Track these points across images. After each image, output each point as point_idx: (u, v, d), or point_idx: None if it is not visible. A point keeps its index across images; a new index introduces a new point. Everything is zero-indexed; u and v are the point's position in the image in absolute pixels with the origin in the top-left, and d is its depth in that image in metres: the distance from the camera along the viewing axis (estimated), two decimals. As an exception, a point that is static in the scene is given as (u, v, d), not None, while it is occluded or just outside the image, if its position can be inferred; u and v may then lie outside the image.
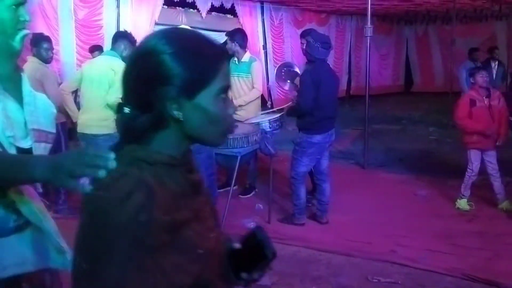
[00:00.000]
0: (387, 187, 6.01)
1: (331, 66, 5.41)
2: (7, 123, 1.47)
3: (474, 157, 5.11)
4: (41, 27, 7.19)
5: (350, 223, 4.76)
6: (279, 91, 11.90)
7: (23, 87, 1.59)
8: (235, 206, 5.05)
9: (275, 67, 11.85)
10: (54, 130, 1.71)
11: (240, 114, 5.47)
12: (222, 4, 10.60)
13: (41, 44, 4.80)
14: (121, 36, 4.64)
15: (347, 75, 15.42)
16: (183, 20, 9.91)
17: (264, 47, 12.16)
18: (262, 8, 11.99)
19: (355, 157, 7.52)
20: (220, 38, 10.64)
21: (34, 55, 4.83)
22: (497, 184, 5.13)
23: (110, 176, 0.95)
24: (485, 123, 5.01)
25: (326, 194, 4.75)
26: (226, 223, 4.47)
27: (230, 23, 10.56)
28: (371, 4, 7.02)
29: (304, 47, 4.60)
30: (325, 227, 4.69)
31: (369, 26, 6.90)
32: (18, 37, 1.53)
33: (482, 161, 5.13)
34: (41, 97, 1.71)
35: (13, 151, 1.50)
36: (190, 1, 9.79)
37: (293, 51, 12.69)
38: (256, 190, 5.70)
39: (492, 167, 5.09)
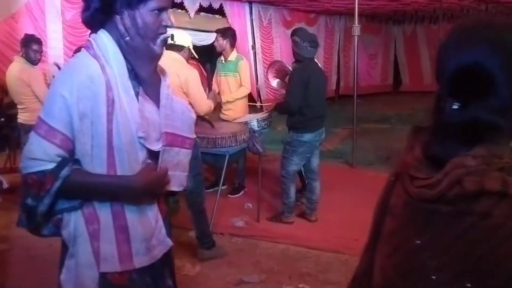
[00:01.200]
0: (375, 185, 5.93)
1: (321, 66, 5.43)
2: (142, 123, 1.52)
3: None
4: (28, 29, 7.16)
5: (339, 221, 4.79)
6: (268, 91, 11.93)
7: (161, 90, 1.62)
8: (224, 205, 5.06)
9: (264, 67, 11.91)
10: (192, 136, 1.75)
11: (228, 114, 5.50)
12: (210, 5, 10.60)
13: (30, 45, 4.79)
14: None
15: (336, 75, 15.48)
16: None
17: (253, 47, 12.18)
18: (250, 8, 12.00)
19: (344, 156, 7.57)
20: (209, 38, 10.69)
21: (22, 56, 4.81)
22: None
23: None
24: None
25: (316, 192, 4.78)
26: (215, 223, 4.49)
27: (218, 24, 10.54)
28: (359, 4, 7.07)
29: (293, 47, 4.62)
30: (314, 225, 4.72)
31: (357, 25, 6.95)
32: (159, 41, 1.57)
33: None
34: (180, 101, 1.74)
35: (143, 153, 1.56)
36: (178, 2, 9.77)
37: (282, 51, 12.71)
38: (245, 189, 5.71)
39: None
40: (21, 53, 4.86)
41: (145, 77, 1.57)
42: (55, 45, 7.94)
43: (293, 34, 4.68)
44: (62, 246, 1.60)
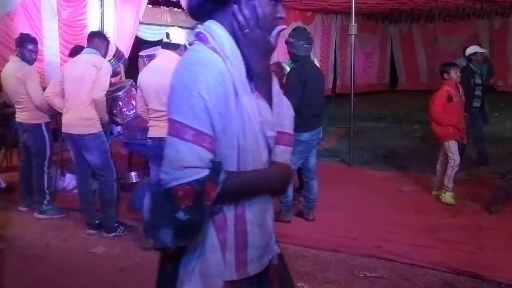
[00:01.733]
0: (372, 183, 6.06)
1: (318, 64, 5.43)
2: (264, 122, 1.41)
3: (454, 148, 5.25)
4: (24, 27, 7.12)
5: (336, 220, 4.79)
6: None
7: (274, 86, 1.51)
8: (222, 204, 5.06)
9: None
10: (293, 132, 1.65)
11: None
12: (207, 3, 10.57)
13: (25, 45, 4.76)
14: (98, 35, 4.67)
15: (332, 74, 15.49)
16: (167, 19, 9.88)
17: (250, 46, 12.16)
18: (247, 7, 11.98)
19: (341, 155, 7.57)
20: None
21: (17, 55, 4.79)
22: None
23: None
24: (459, 117, 5.29)
25: (314, 191, 4.77)
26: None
27: (215, 22, 10.54)
28: (355, 3, 7.08)
29: (289, 49, 4.61)
30: (312, 224, 4.72)
31: (353, 24, 6.95)
32: (274, 33, 1.46)
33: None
34: (284, 97, 1.65)
35: (266, 153, 1.46)
36: (174, 0, 9.75)
37: (278, 50, 12.67)
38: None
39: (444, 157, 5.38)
40: (16, 52, 4.82)
41: (260, 72, 1.44)
42: (51, 44, 7.91)
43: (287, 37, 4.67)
44: (172, 254, 1.43)
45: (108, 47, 4.72)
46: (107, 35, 4.85)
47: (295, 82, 4.41)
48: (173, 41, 3.87)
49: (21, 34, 5.02)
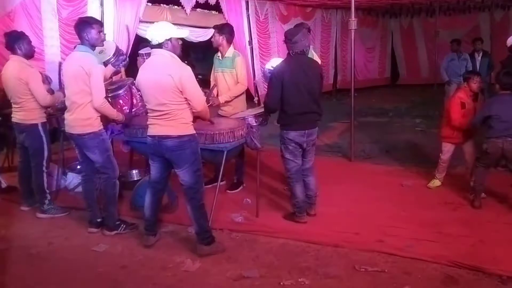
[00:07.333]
0: (374, 178, 6.06)
1: (318, 60, 5.38)
2: None
3: (446, 149, 5.50)
4: (24, 27, 7.13)
5: (338, 215, 4.80)
6: (265, 87, 11.90)
7: None
8: (223, 201, 5.07)
9: (262, 62, 11.91)
10: None
11: (225, 110, 5.49)
12: (206, 0, 10.57)
13: (23, 42, 4.77)
14: (80, 26, 4.22)
15: (333, 69, 15.46)
16: (167, 17, 9.87)
17: (250, 42, 12.14)
18: (247, 3, 11.96)
19: (342, 150, 7.57)
20: (205, 34, 10.65)
21: (15, 53, 4.76)
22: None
23: None
24: (467, 121, 5.29)
25: (311, 187, 4.74)
26: (214, 218, 4.49)
27: (215, 20, 10.52)
28: (355, -3, 7.05)
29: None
30: (313, 219, 4.72)
31: (353, 19, 6.93)
32: None
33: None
34: None
35: None
36: (174, -2, 9.76)
37: (278, 46, 12.68)
38: (244, 184, 5.71)
39: (470, 155, 5.41)
40: (14, 51, 4.80)
41: None
42: (51, 43, 7.91)
43: None
44: None
45: (99, 31, 4.27)
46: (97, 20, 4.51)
47: (272, 81, 4.41)
48: (153, 42, 3.73)
49: (11, 33, 5.00)
